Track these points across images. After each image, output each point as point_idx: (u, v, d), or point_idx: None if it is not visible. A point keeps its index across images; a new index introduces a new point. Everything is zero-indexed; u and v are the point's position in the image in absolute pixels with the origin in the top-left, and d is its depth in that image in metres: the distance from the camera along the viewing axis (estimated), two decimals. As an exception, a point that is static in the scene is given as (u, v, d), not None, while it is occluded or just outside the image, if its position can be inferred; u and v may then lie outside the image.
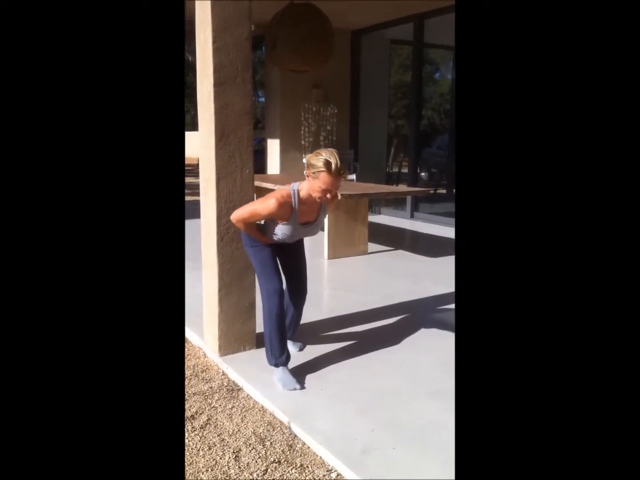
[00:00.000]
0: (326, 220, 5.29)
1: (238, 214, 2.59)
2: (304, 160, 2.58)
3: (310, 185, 2.47)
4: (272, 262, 2.68)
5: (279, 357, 2.68)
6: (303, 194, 2.54)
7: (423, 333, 3.37)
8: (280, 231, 2.60)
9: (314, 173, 2.42)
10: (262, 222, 2.67)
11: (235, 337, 3.04)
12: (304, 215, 2.60)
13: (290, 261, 2.84)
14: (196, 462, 2.10)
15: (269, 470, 2.05)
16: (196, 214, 3.36)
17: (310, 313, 3.48)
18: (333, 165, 2.38)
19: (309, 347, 3.11)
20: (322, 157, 2.40)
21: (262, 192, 4.24)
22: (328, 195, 2.46)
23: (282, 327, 2.68)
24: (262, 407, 2.53)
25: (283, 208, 2.50)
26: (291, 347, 3.01)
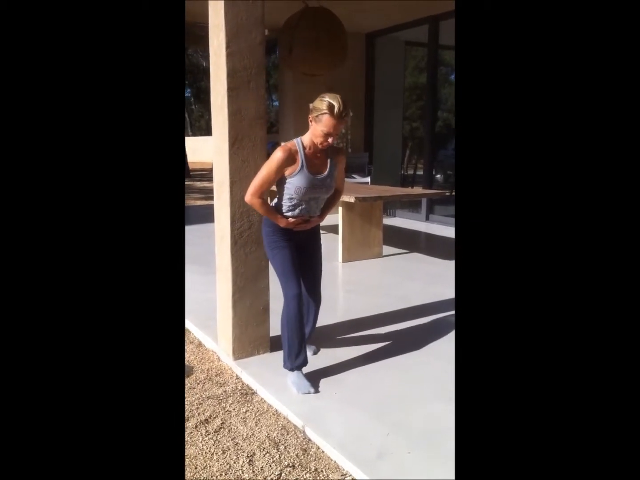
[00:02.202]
0: (341, 223, 5.28)
1: (252, 188, 2.57)
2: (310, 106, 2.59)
3: (313, 130, 2.50)
4: (292, 265, 2.64)
5: (295, 362, 2.68)
6: (307, 142, 2.56)
7: (438, 336, 3.35)
8: (294, 186, 2.55)
9: (316, 116, 2.45)
10: (275, 201, 2.65)
11: (249, 341, 3.04)
12: (312, 164, 2.58)
13: (306, 265, 2.79)
14: (210, 466, 2.10)
15: (283, 474, 2.04)
16: (210, 218, 3.37)
17: (325, 316, 3.48)
18: (336, 108, 2.40)
19: (323, 351, 3.11)
20: (325, 100, 2.42)
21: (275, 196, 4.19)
22: (330, 140, 2.47)
23: (300, 331, 2.65)
24: (276, 411, 2.52)
25: (290, 156, 2.51)
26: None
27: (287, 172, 2.54)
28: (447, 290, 4.33)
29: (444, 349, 3.15)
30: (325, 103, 2.41)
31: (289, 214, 2.62)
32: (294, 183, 2.55)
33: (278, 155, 2.50)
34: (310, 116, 2.49)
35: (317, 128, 2.46)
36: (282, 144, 2.58)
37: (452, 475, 1.96)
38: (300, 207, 2.62)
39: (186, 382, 2.82)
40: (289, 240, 2.66)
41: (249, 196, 2.59)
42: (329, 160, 2.64)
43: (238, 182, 2.83)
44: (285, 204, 2.62)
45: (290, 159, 2.51)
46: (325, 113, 2.40)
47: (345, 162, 2.80)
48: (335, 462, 2.12)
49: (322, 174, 2.61)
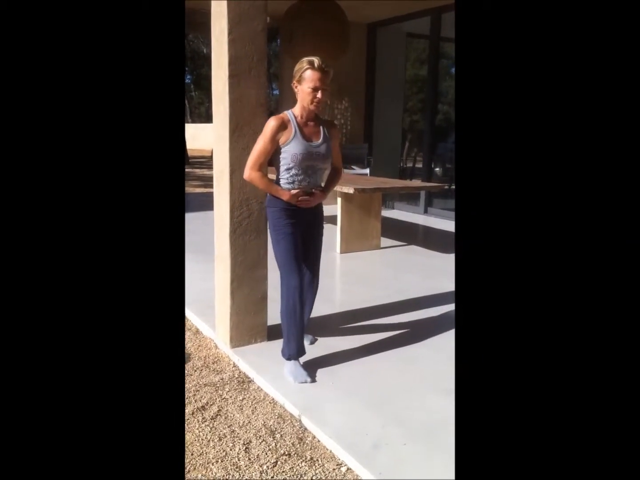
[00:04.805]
0: (339, 214, 5.28)
1: (249, 163, 2.57)
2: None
3: (300, 94, 2.51)
4: (296, 255, 2.62)
5: (293, 351, 2.68)
6: (297, 111, 2.57)
7: (435, 329, 3.36)
8: (290, 154, 2.53)
9: (299, 77, 2.47)
10: (275, 178, 2.63)
11: (246, 329, 3.05)
12: (306, 131, 2.58)
13: (306, 249, 2.76)
14: (206, 452, 2.11)
15: (278, 462, 2.05)
16: (209, 206, 3.37)
17: (322, 307, 3.48)
18: (316, 62, 2.42)
19: (320, 341, 3.11)
20: (304, 59, 2.46)
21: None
22: (319, 95, 2.46)
23: (299, 321, 2.66)
24: (273, 399, 2.53)
25: (282, 124, 2.51)
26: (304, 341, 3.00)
27: (281, 141, 2.53)
28: (444, 282, 4.34)
29: (441, 341, 3.16)
30: (304, 61, 2.46)
31: (289, 186, 2.59)
32: (290, 150, 2.53)
33: (271, 124, 2.50)
34: (293, 82, 2.52)
35: (304, 88, 2.47)
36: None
37: (448, 466, 1.97)
38: (299, 178, 2.59)
39: (183, 369, 2.83)
40: (295, 224, 2.62)
41: (248, 171, 2.57)
42: (322, 128, 2.63)
43: (238, 170, 2.82)
44: (284, 177, 2.59)
45: (282, 126, 2.51)
46: (307, 68, 2.44)
47: (340, 138, 2.80)
48: (330, 451, 2.13)
49: (317, 141, 2.60)
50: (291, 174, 2.57)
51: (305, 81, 2.45)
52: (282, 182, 2.60)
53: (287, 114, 2.57)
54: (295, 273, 2.61)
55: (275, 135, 2.51)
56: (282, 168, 2.58)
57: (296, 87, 2.51)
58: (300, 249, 2.67)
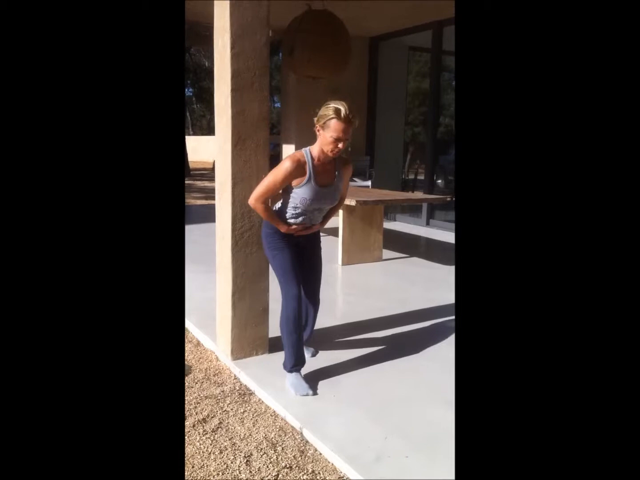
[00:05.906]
0: (341, 226, 5.29)
1: (256, 193, 2.55)
2: (315, 118, 2.55)
3: (321, 140, 2.46)
4: (292, 266, 2.64)
5: (293, 362, 2.68)
6: (315, 152, 2.53)
7: (437, 340, 3.35)
8: (299, 196, 2.53)
9: (323, 124, 2.41)
10: (279, 205, 2.64)
11: (247, 342, 3.04)
12: (320, 175, 2.55)
13: (306, 267, 2.79)
14: (207, 465, 2.10)
15: (280, 475, 2.04)
16: (210, 218, 3.38)
17: (324, 319, 3.48)
18: (343, 111, 2.37)
19: (322, 353, 3.11)
20: (331, 106, 2.40)
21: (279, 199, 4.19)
22: (340, 145, 2.42)
23: (297, 331, 2.66)
24: (274, 412, 2.52)
25: (298, 167, 2.47)
26: (304, 352, 2.99)
27: (294, 183, 2.51)
28: (446, 294, 4.33)
29: (443, 352, 3.16)
30: (331, 108, 2.38)
31: (292, 221, 2.62)
32: (300, 194, 2.53)
33: (286, 165, 2.46)
34: (317, 125, 2.46)
35: (326, 135, 2.41)
36: (292, 153, 2.56)
37: (450, 478, 1.96)
38: (303, 217, 2.62)
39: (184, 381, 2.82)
40: (289, 242, 2.66)
41: (253, 200, 2.57)
42: (336, 168, 2.62)
43: (240, 182, 2.83)
44: (289, 212, 2.61)
45: (298, 170, 2.48)
46: (333, 118, 2.37)
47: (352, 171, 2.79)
48: (332, 464, 2.12)
49: (329, 186, 2.59)
50: (297, 212, 2.60)
51: (329, 130, 2.39)
52: (286, 213, 2.63)
53: (305, 154, 2.53)
54: (292, 283, 2.63)
55: (289, 178, 2.49)
56: (289, 204, 2.60)
57: (318, 130, 2.46)
58: (297, 261, 2.69)
